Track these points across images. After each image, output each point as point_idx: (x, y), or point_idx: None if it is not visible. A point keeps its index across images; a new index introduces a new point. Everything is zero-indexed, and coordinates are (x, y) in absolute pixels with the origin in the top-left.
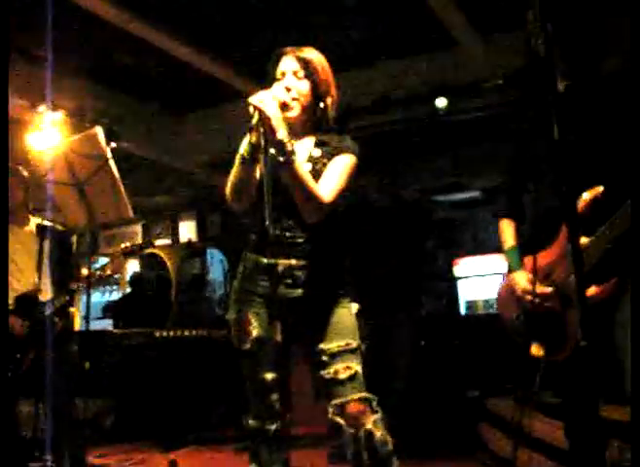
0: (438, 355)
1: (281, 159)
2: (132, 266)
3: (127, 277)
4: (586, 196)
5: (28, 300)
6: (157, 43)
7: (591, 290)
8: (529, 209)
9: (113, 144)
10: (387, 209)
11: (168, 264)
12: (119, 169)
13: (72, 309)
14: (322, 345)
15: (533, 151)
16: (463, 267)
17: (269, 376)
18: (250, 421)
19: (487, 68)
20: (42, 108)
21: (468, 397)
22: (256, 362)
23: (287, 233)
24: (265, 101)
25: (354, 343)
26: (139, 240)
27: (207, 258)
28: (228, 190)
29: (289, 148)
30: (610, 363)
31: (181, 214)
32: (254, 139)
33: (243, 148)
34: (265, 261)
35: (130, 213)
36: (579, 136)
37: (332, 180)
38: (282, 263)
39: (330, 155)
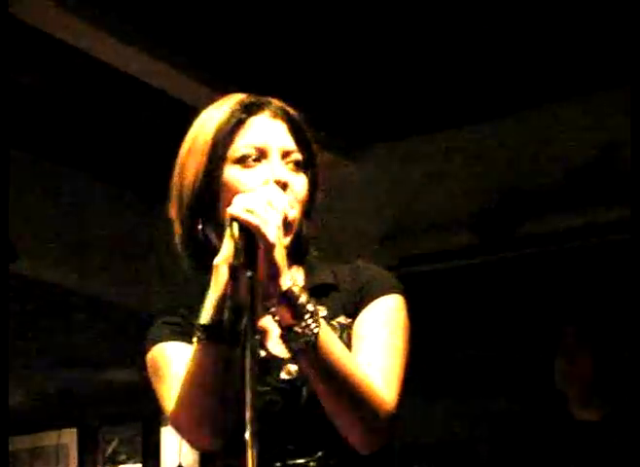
0: None
1: (298, 330)
2: None
3: None
4: None
5: None
6: None
7: None
8: None
9: None
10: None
11: None
12: None
13: None
14: None
15: None
16: None
17: None
18: None
19: None
20: None
21: None
22: None
23: None
24: (261, 215)
25: None
26: None
27: None
28: (175, 408)
29: (309, 307)
30: None
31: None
32: (237, 293)
33: (207, 315)
34: None
35: None
36: None
37: (383, 357)
38: None
39: (348, 308)
